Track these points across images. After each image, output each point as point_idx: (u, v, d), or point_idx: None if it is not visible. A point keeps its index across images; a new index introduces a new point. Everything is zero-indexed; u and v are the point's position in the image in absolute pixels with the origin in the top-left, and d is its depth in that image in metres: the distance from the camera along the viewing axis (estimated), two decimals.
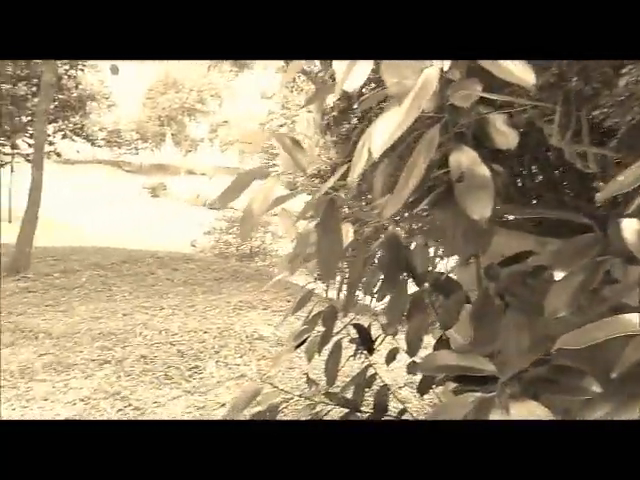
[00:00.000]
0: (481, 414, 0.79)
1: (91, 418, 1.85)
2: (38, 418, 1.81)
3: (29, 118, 12.06)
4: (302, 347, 1.39)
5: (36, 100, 11.43)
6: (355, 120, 2.83)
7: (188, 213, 25.24)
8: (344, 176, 1.08)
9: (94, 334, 2.77)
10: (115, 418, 1.86)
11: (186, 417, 1.90)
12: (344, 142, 2.93)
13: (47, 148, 12.85)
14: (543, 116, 1.00)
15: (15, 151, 12.73)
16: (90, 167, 35.13)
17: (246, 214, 0.99)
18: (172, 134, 44.93)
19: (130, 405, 1.95)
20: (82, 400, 1.99)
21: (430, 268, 1.34)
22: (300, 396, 1.38)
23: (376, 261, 1.39)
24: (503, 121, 0.98)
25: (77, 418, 1.83)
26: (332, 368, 1.39)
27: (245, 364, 2.49)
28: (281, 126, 40.04)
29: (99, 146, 19.90)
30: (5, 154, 12.54)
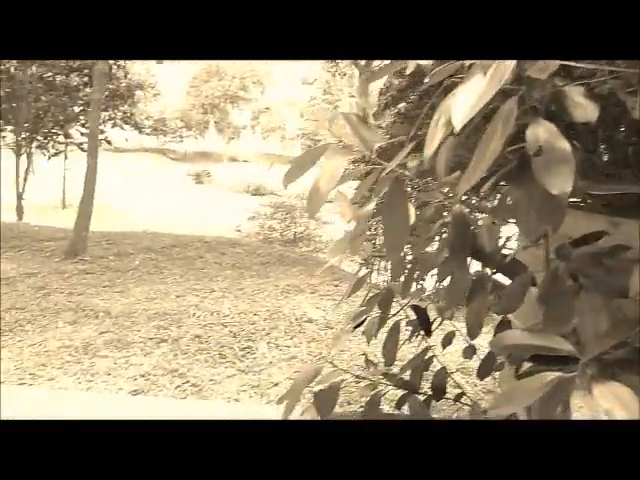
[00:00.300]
0: (561, 395, 0.77)
1: (152, 393, 1.92)
2: (102, 392, 1.89)
3: (81, 108, 12.48)
4: (359, 328, 1.39)
5: (88, 90, 11.82)
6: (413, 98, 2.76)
7: (231, 199, 25.65)
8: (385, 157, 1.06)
9: (150, 314, 2.87)
10: (174, 394, 1.92)
11: (241, 395, 1.95)
12: (403, 121, 2.88)
13: (99, 136, 13.29)
14: (626, 87, 0.95)
15: (68, 140, 13.22)
16: (137, 155, 36.14)
17: (313, 192, 0.99)
18: (215, 122, 45.57)
19: (188, 382, 2.02)
20: (142, 376, 2.07)
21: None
22: (358, 377, 1.38)
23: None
24: (581, 93, 0.93)
25: (139, 393, 1.90)
26: (390, 349, 1.38)
27: (295, 346, 2.52)
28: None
29: (147, 134, 20.42)
30: (59, 143, 13.05)
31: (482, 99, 0.69)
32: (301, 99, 45.63)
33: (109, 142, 13.02)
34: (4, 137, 11.98)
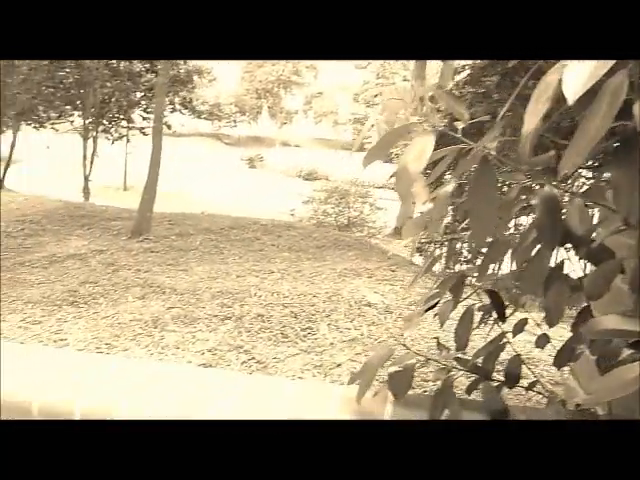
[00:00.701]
0: None
1: (219, 367, 1.98)
2: (173, 364, 1.97)
3: (142, 93, 12.93)
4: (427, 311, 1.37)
5: (149, 76, 12.22)
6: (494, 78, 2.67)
7: (283, 184, 25.94)
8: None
9: (213, 292, 2.96)
10: (240, 369, 1.98)
11: (305, 374, 1.98)
12: (482, 100, 2.80)
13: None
14: None
15: (130, 124, 13.75)
16: (192, 140, 37.14)
17: (401, 172, 0.97)
18: (268, 107, 45.99)
19: (253, 359, 2.07)
20: (209, 351, 2.14)
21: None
22: (429, 360, 1.37)
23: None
24: None
25: (207, 367, 1.97)
26: (463, 334, 1.36)
27: (355, 328, 2.53)
28: (375, 96, 39.41)
29: (206, 118, 20.94)
30: (122, 127, 13.59)
31: (598, 71, 0.65)
32: (354, 83, 45.16)
33: (169, 126, 13.45)
34: (72, 122, 12.61)
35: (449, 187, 1.21)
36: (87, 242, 4.42)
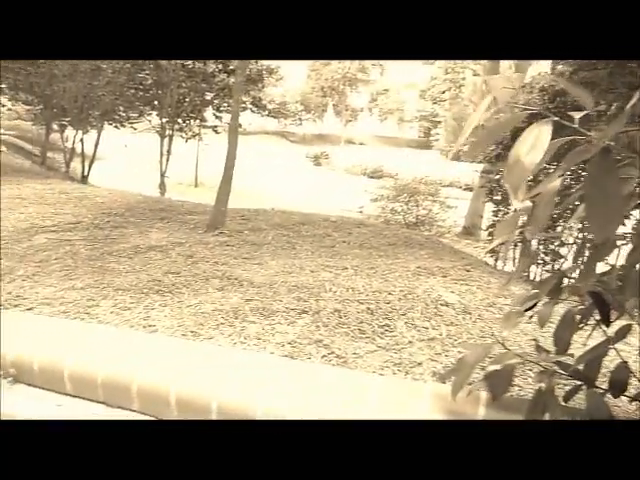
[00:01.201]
0: None
1: (299, 360, 2.01)
2: (255, 354, 2.02)
3: (215, 93, 13.38)
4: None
5: (222, 76, 12.63)
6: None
7: (349, 181, 25.96)
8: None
9: (289, 286, 3.00)
10: (320, 363, 2.00)
11: (385, 371, 1.96)
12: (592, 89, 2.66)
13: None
14: None
15: (203, 123, 14.28)
16: (259, 137, 38.02)
17: (514, 165, 0.93)
18: (333, 104, 46.17)
19: (333, 353, 2.08)
20: (289, 343, 2.17)
21: None
22: (530, 361, 1.32)
23: None
24: None
25: (288, 359, 2.00)
26: (563, 337, 1.29)
27: (433, 328, 2.48)
28: (443, 92, 38.41)
29: (273, 117, 21.41)
30: (196, 126, 14.14)
31: None
32: (421, 80, 44.36)
33: (240, 125, 13.82)
34: (150, 121, 13.27)
35: (556, 182, 1.15)
36: (167, 235, 4.63)
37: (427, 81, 43.51)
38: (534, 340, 1.37)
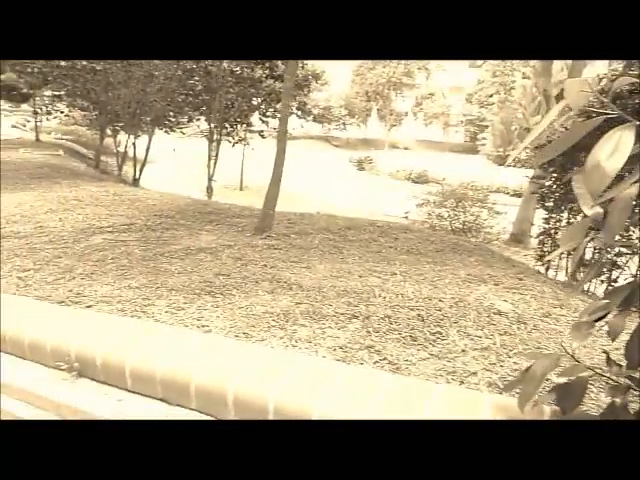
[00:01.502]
0: None
1: (352, 365, 2.00)
2: (306, 356, 2.02)
3: (262, 98, 13.60)
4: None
5: (269, 81, 12.83)
6: None
7: (393, 186, 25.81)
8: None
9: (338, 290, 3.00)
10: (373, 368, 1.98)
11: (438, 379, 1.93)
12: None
13: (277, 124, 14.39)
14: None
15: (249, 128, 14.55)
16: (303, 142, 38.29)
17: (593, 170, 0.89)
18: (377, 109, 45.99)
19: (385, 359, 2.06)
20: (340, 348, 2.17)
21: None
22: (601, 375, 1.26)
23: None
24: None
25: (340, 363, 1.99)
26: (636, 350, 1.23)
27: (487, 337, 2.42)
28: (491, 95, 37.54)
29: (317, 121, 21.60)
30: (243, 131, 14.42)
31: None
32: (467, 83, 43.56)
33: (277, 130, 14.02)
34: (199, 126, 13.63)
35: (633, 188, 1.09)
36: (216, 237, 4.73)
37: (474, 84, 42.67)
38: (605, 352, 1.30)
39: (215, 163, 12.14)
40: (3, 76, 17.36)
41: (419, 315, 2.62)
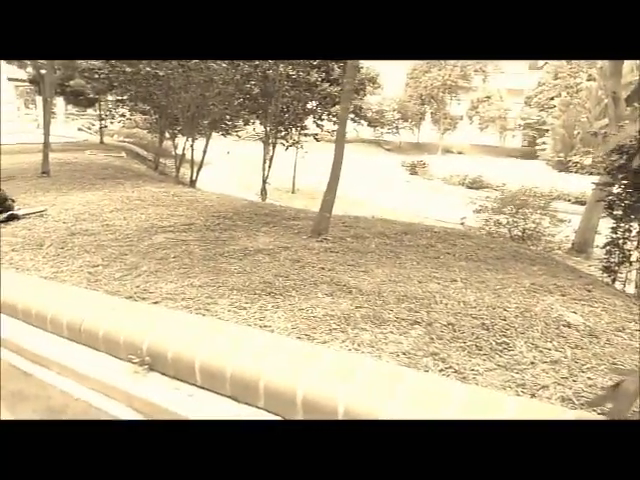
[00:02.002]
0: None
1: (415, 371, 1.96)
2: (370, 360, 2.01)
3: (317, 102, 13.69)
4: None
5: (325, 85, 12.90)
6: None
7: (447, 191, 25.29)
8: None
9: (398, 295, 2.96)
10: (437, 375, 1.93)
11: (507, 391, 1.86)
12: None
13: (330, 127, 14.46)
14: None
15: (304, 131, 14.68)
16: (354, 146, 38.22)
17: None
18: (431, 112, 45.24)
19: (450, 367, 2.01)
20: (404, 354, 2.13)
21: None
22: None
23: None
24: None
25: (406, 368, 1.96)
26: None
27: (557, 350, 2.31)
28: (552, 98, 36.07)
29: (370, 125, 21.51)
30: (298, 134, 14.58)
31: None
32: (527, 86, 42.12)
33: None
34: (254, 129, 13.89)
35: None
36: (273, 239, 4.79)
37: (534, 87, 41.22)
38: None
39: (270, 166, 12.33)
40: (72, 82, 18.40)
41: (483, 324, 2.54)
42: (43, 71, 10.43)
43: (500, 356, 2.19)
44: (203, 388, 1.75)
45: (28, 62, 12.65)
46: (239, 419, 1.56)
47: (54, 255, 4.01)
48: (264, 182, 12.08)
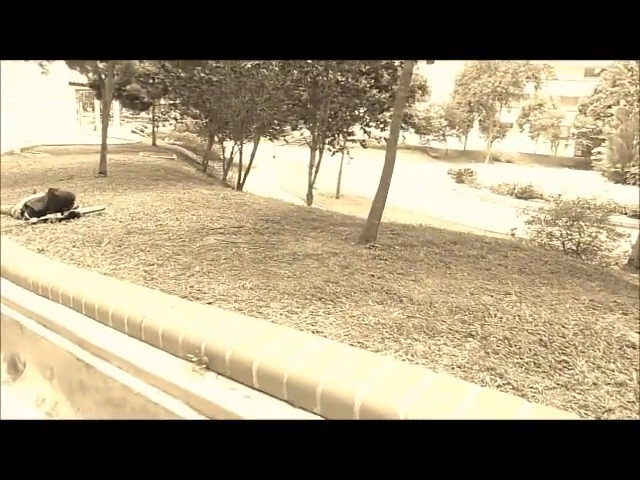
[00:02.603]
0: None
1: (470, 382, 1.91)
2: (425, 369, 1.98)
3: (365, 109, 13.70)
4: None
5: (374, 92, 12.90)
6: None
7: (494, 200, 24.74)
8: None
9: (450, 306, 2.91)
10: (495, 391, 1.89)
11: (570, 411, 1.79)
12: None
13: (378, 134, 14.43)
14: None
15: (351, 137, 14.71)
16: (401, 152, 37.92)
17: None
18: (480, 120, 44.34)
19: (509, 384, 1.96)
20: (459, 367, 2.09)
21: None
22: None
23: None
24: None
25: (461, 381, 1.92)
26: None
27: (621, 371, 2.21)
28: (609, 106, 34.73)
29: (422, 133, 21.35)
30: (346, 140, 14.63)
31: None
32: (582, 93, 40.62)
33: (386, 139, 14.00)
34: (302, 134, 14.04)
35: None
36: (321, 244, 4.81)
37: (589, 94, 39.71)
38: None
39: (317, 171, 12.41)
40: (128, 86, 19.18)
41: (541, 340, 2.46)
42: (104, 76, 10.91)
43: (560, 375, 2.11)
44: (260, 390, 1.77)
45: (89, 67, 13.27)
46: (291, 419, 1.58)
47: (112, 252, 4.17)
48: (310, 187, 12.17)
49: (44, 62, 13.04)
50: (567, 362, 2.24)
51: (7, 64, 13.48)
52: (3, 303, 3.27)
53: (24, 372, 2.93)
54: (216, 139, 16.59)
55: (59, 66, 17.19)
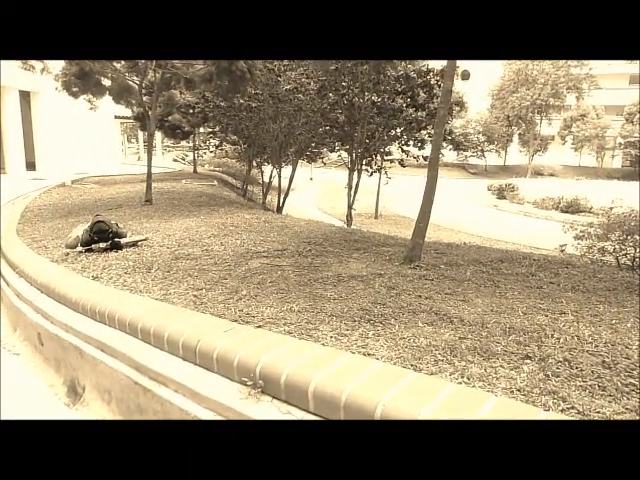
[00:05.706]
0: None
1: (532, 407, 1.85)
2: (485, 393, 1.93)
3: (402, 128, 13.71)
4: None
5: (410, 111, 12.92)
6: None
7: (538, 215, 24.06)
8: None
9: (503, 327, 2.83)
10: (559, 416, 1.81)
11: None
12: None
13: (417, 152, 14.39)
14: None
15: (388, 157, 14.76)
16: (439, 170, 37.57)
17: None
18: (519, 134, 43.52)
19: (574, 408, 1.87)
20: (518, 390, 2.02)
21: None
22: None
23: None
24: None
25: (523, 404, 1.86)
26: None
27: None
28: None
29: (461, 149, 21.20)
30: (384, 160, 14.67)
31: None
32: (627, 101, 39.30)
33: (425, 158, 13.96)
34: (340, 156, 14.17)
35: None
36: (365, 265, 4.80)
37: (635, 102, 38.40)
38: None
39: (356, 192, 12.46)
40: (170, 117, 19.94)
41: (604, 362, 2.36)
42: (148, 108, 11.40)
43: (628, 399, 2.01)
44: (315, 414, 1.77)
45: (134, 101, 13.90)
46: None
47: (162, 278, 4.29)
48: (350, 208, 12.20)
49: (92, 98, 13.75)
50: (635, 385, 2.13)
51: (62, 102, 14.27)
52: (62, 329, 3.41)
53: (83, 396, 3.03)
54: (255, 164, 16.95)
55: (105, 101, 18.09)
